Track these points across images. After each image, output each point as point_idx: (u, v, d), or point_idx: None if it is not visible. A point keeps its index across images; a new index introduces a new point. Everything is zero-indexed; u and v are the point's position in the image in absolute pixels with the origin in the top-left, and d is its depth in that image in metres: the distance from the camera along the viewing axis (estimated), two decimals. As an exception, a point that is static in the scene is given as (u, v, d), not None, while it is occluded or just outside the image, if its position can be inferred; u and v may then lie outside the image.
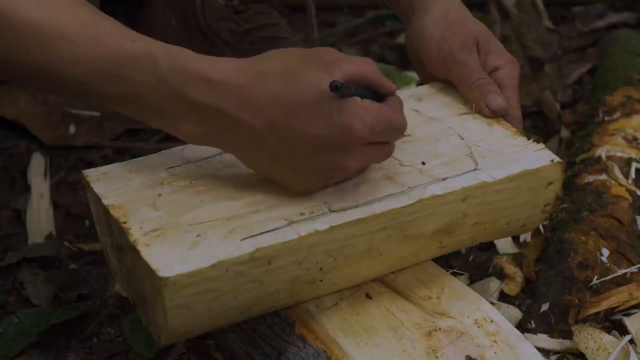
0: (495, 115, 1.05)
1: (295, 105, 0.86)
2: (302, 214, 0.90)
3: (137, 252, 0.85)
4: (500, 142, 1.02)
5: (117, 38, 0.86)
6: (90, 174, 0.95)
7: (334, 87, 0.84)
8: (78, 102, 1.57)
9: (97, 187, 0.93)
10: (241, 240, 0.86)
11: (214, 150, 0.97)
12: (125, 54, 0.86)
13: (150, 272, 0.83)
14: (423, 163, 0.98)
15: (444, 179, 0.95)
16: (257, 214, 0.89)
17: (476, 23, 1.12)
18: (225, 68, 0.87)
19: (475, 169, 0.97)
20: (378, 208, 0.91)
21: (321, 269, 0.91)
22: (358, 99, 0.87)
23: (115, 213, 0.89)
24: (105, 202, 0.91)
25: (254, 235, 0.87)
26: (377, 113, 0.87)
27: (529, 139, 1.02)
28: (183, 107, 0.87)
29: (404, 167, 0.97)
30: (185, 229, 0.87)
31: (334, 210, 0.90)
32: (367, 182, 0.94)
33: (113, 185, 0.93)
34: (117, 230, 0.89)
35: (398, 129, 0.91)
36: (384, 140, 0.90)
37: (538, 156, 1.00)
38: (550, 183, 1.00)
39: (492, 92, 1.05)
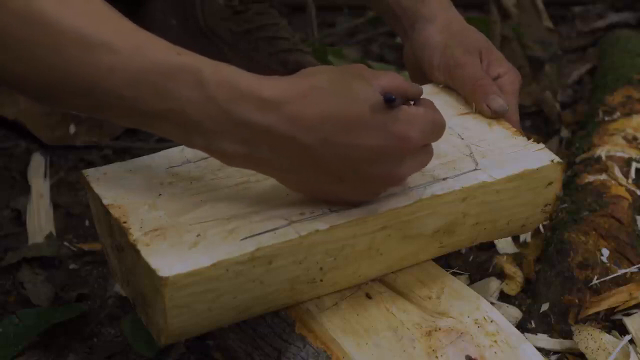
0: (496, 116, 1.05)
1: (348, 119, 0.85)
2: (302, 213, 0.90)
3: (137, 251, 0.85)
4: (501, 142, 1.02)
5: (161, 50, 0.82)
6: (90, 174, 0.95)
7: (390, 99, 0.86)
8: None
9: (97, 187, 0.93)
10: (241, 240, 0.86)
11: None
12: (170, 67, 0.81)
13: (150, 271, 0.83)
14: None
15: (444, 179, 0.95)
16: (257, 214, 0.89)
17: (479, 34, 1.14)
18: (274, 86, 0.83)
19: (476, 169, 0.97)
20: (378, 208, 0.91)
21: (321, 268, 0.91)
22: (406, 107, 0.88)
23: (115, 213, 0.89)
24: (105, 202, 0.91)
25: (254, 235, 0.87)
26: (424, 117, 0.89)
27: (529, 139, 1.02)
28: (229, 125, 0.83)
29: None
30: (186, 229, 0.87)
31: (334, 210, 0.90)
32: None
33: (113, 185, 0.93)
34: (118, 230, 0.89)
35: (442, 127, 0.91)
36: (431, 142, 0.91)
37: (538, 156, 1.00)
38: (550, 183, 1.00)
39: (493, 93, 1.06)
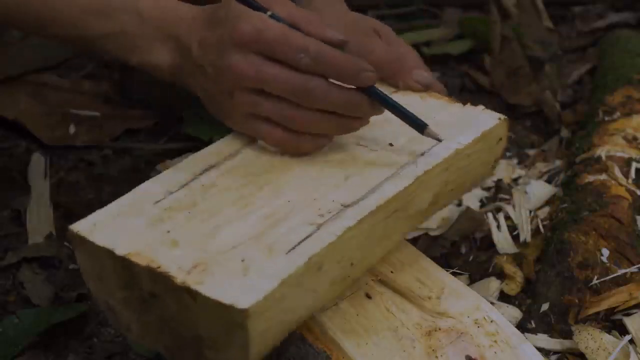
0: (425, 88, 1.09)
1: (212, 18, 0.98)
2: (321, 215, 0.89)
3: (194, 292, 0.80)
4: (442, 111, 1.07)
5: None
6: (81, 229, 0.88)
7: None
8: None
9: (101, 240, 0.86)
10: (286, 253, 0.85)
11: (188, 173, 0.95)
12: None
13: (219, 309, 0.79)
14: (391, 144, 1.01)
15: (422, 154, 0.99)
16: (278, 226, 0.89)
17: (369, 18, 1.16)
18: (191, 7, 1.02)
19: (441, 140, 1.00)
20: (386, 193, 0.93)
21: (352, 264, 0.91)
22: (263, 14, 0.95)
23: (141, 261, 0.83)
24: (120, 252, 0.84)
25: (295, 246, 0.86)
26: (272, 24, 0.94)
27: (464, 104, 1.09)
28: (159, 40, 1.02)
29: (376, 151, 1.00)
30: (224, 258, 0.84)
31: (348, 205, 0.91)
32: (355, 174, 0.96)
33: (113, 235, 0.87)
34: (147, 279, 0.84)
35: (293, 46, 0.94)
36: (276, 55, 0.94)
37: (486, 117, 1.07)
38: (500, 139, 1.07)
39: (415, 68, 1.10)
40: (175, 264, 0.83)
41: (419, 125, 0.99)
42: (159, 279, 0.82)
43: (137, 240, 0.86)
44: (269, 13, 0.96)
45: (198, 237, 0.87)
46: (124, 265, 0.84)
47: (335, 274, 0.90)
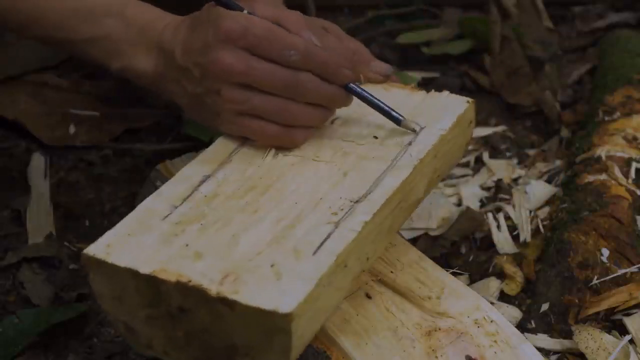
0: (385, 79, 1.10)
1: (193, 23, 0.99)
2: (334, 214, 0.89)
3: (230, 302, 0.80)
4: (408, 99, 1.08)
5: None
6: (97, 251, 0.85)
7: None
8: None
9: (121, 261, 0.84)
10: (313, 254, 0.85)
11: (191, 182, 0.95)
12: (101, 4, 1.04)
13: (259, 316, 0.79)
14: (375, 137, 1.02)
15: (409, 144, 1.00)
16: (295, 228, 0.88)
17: (315, 18, 1.16)
18: (174, 18, 1.03)
19: (422, 127, 1.02)
20: (391, 185, 0.93)
21: (367, 258, 0.91)
22: (246, 12, 0.96)
23: (169, 277, 0.82)
24: (144, 271, 0.83)
25: (320, 246, 0.85)
26: (256, 21, 0.95)
27: (427, 91, 1.10)
28: (142, 47, 1.03)
29: (364, 145, 1.01)
30: (253, 265, 0.84)
31: (357, 201, 0.91)
32: (352, 169, 0.96)
33: (132, 254, 0.85)
34: (176, 294, 0.82)
35: (282, 42, 0.95)
36: (263, 52, 0.95)
37: (456, 101, 1.08)
38: (470, 122, 1.09)
39: (372, 60, 1.11)
40: (205, 276, 0.82)
41: (396, 119, 1.02)
42: (191, 292, 0.81)
43: (158, 256, 0.84)
44: (245, 11, 0.97)
45: (220, 247, 0.86)
46: (150, 283, 0.83)
47: (356, 270, 0.90)
